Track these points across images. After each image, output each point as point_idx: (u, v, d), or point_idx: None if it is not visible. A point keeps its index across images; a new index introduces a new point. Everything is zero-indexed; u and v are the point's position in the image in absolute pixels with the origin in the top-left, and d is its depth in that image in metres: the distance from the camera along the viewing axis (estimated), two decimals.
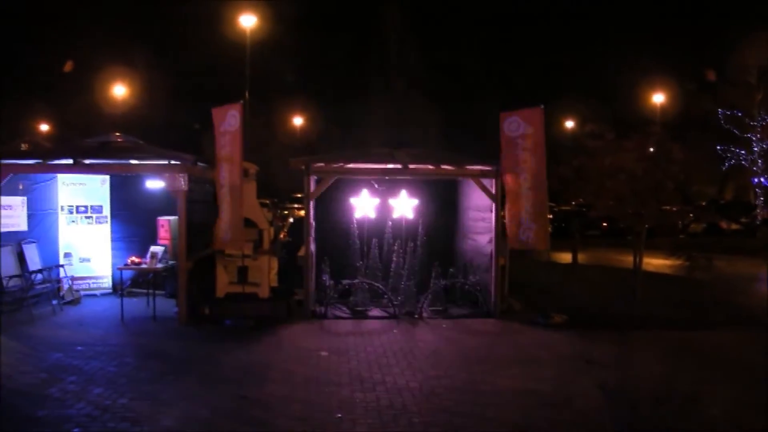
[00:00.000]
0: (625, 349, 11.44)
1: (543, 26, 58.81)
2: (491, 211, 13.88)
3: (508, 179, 13.17)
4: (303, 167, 13.66)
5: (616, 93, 46.77)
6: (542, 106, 13.09)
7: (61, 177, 15.61)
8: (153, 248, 14.41)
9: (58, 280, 14.71)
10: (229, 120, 12.58)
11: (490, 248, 13.87)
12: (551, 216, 26.29)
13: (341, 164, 13.80)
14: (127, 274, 15.18)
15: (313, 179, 13.86)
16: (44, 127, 50.32)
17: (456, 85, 50.12)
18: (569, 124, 49.04)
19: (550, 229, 13.57)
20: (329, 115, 44.76)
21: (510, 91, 45.55)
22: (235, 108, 12.60)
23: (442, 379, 9.57)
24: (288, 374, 9.73)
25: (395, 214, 14.92)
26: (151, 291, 14.13)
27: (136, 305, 14.40)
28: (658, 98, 48.11)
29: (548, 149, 13.19)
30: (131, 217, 16.07)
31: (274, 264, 14.21)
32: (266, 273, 13.73)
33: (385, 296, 13.86)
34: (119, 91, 43.79)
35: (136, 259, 14.43)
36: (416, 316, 13.53)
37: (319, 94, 46.05)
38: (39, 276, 13.98)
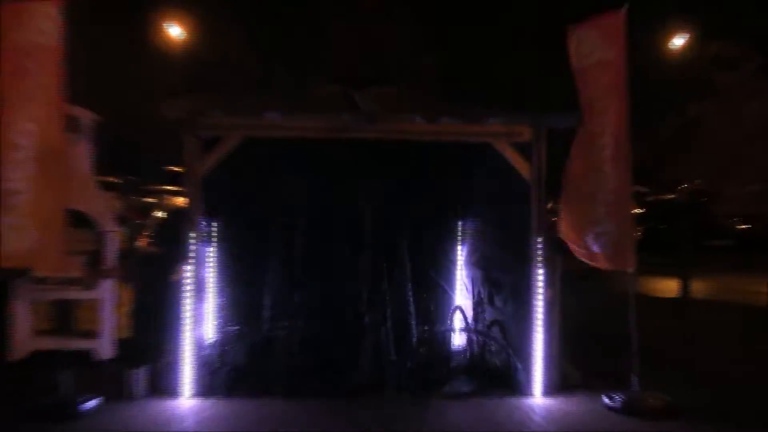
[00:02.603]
0: None
1: None
2: (527, 203, 8.18)
3: (578, 146, 7.94)
4: (183, 118, 7.98)
5: None
6: (625, 8, 7.60)
7: None
8: None
9: None
10: (30, 26, 7.98)
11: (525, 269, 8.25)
12: (640, 210, 17.66)
13: (255, 114, 8.10)
14: None
15: (201, 141, 8.07)
16: None
17: None
18: (674, 42, 32.80)
19: (638, 234, 7.73)
20: (245, 36, 31.06)
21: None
22: (47, 4, 7.90)
23: None
24: None
25: (355, 207, 9.20)
26: None
27: None
28: None
29: (633, 94, 7.79)
30: None
31: (127, 296, 8.87)
32: (110, 314, 8.33)
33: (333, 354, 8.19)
34: None
35: None
36: (388, 387, 7.93)
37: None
38: None
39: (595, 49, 7.80)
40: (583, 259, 7.90)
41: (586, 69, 7.91)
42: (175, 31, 24.93)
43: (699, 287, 14.45)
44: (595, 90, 7.81)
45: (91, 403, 7.41)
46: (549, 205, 8.39)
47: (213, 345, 8.42)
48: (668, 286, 14.96)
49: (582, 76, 7.96)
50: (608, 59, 7.74)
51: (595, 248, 7.77)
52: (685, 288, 12.84)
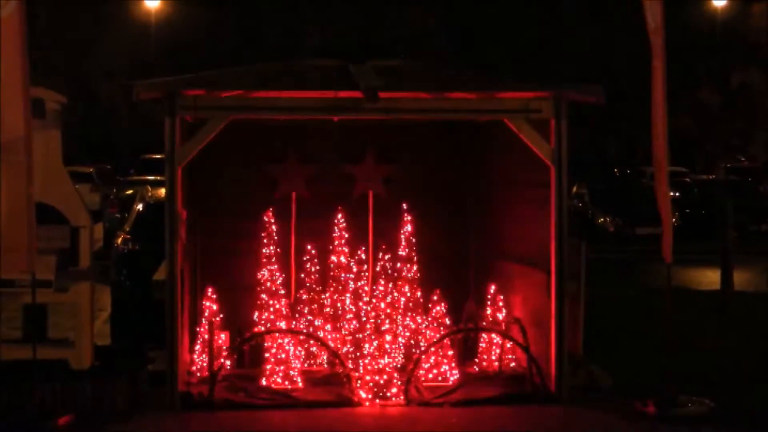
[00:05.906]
0: None
1: None
2: (549, 188, 7.63)
3: None
4: (163, 97, 7.46)
5: None
6: None
7: None
8: None
9: None
10: None
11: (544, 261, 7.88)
12: (676, 194, 17.04)
13: (242, 92, 7.55)
14: None
15: (183, 124, 7.66)
16: None
17: None
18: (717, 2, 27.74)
19: (674, 220, 8.79)
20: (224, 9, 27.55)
21: None
22: None
23: None
24: None
25: (356, 195, 9.19)
26: None
27: None
28: None
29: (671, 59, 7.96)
30: None
31: (105, 299, 8.94)
32: (87, 318, 7.95)
33: (336, 360, 7.86)
34: None
35: None
36: (394, 398, 7.62)
37: None
38: None
39: (655, 13, 7.76)
40: None
41: (653, 33, 7.86)
42: (151, 3, 23.75)
43: (743, 278, 13.83)
44: (654, 57, 7.79)
45: (66, 421, 7.04)
46: (574, 189, 7.74)
47: (204, 348, 7.96)
48: (709, 278, 14.49)
49: (653, 42, 7.93)
50: (656, 23, 7.68)
51: None
52: (726, 279, 12.21)
